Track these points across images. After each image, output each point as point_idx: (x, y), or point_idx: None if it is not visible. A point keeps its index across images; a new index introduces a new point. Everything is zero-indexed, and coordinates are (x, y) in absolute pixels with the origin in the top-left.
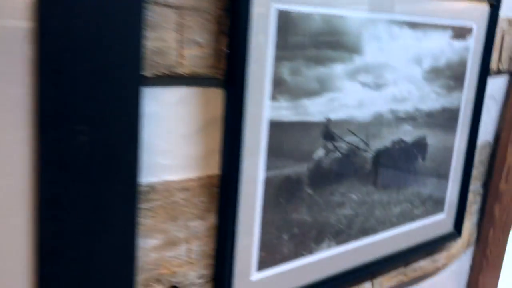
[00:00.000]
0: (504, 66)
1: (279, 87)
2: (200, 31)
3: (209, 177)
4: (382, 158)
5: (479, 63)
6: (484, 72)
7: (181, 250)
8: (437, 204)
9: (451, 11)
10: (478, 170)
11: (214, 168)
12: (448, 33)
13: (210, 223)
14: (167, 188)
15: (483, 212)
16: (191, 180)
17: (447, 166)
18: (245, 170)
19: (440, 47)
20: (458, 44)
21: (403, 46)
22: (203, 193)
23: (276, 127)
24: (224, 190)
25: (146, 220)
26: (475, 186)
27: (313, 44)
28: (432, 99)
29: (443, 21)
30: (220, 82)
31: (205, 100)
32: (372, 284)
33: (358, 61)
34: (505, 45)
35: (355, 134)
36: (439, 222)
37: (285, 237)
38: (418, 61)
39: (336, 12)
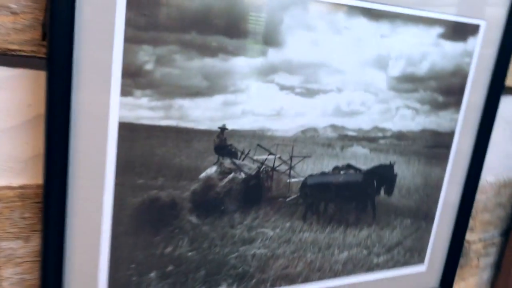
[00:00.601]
0: None
1: (137, 79)
2: None
3: (38, 187)
4: (317, 186)
5: (488, 74)
6: (497, 87)
7: None
8: (413, 253)
9: (443, 1)
10: (494, 214)
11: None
12: (435, 30)
13: (36, 246)
14: None
15: (499, 267)
16: (7, 188)
17: (432, 207)
18: (77, 184)
19: (420, 48)
20: (453, 46)
21: (354, 41)
22: (26, 207)
23: (132, 131)
24: (45, 206)
25: None
26: (489, 233)
27: (195, 26)
28: (404, 116)
29: (425, 13)
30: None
31: (28, 86)
32: None
33: (273, 56)
34: None
35: (270, 152)
36: (415, 275)
37: (153, 275)
38: (380, 63)
39: None
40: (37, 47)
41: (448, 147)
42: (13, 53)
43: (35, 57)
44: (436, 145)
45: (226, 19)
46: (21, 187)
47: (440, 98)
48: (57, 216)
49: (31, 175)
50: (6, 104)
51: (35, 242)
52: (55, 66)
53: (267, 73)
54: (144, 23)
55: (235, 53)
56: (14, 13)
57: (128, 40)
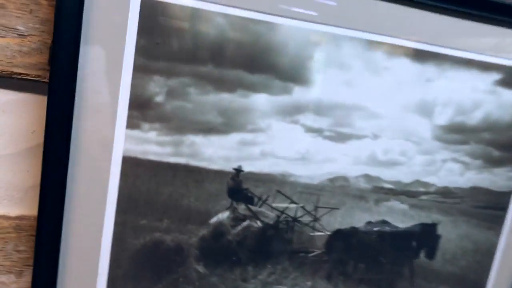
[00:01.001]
0: None
1: (146, 111)
2: (21, 15)
3: (35, 219)
4: (345, 242)
5: None
6: None
7: None
8: None
9: (501, 45)
10: None
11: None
12: (491, 76)
13: (29, 282)
14: None
15: None
16: (3, 217)
17: (482, 276)
18: (74, 219)
19: (472, 95)
20: None
21: (395, 84)
22: (21, 240)
23: (137, 166)
24: (38, 241)
25: None
26: None
27: (211, 58)
28: (452, 170)
29: (480, 56)
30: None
31: (33, 111)
32: None
33: (299, 94)
34: None
35: (291, 200)
36: None
37: None
38: (425, 110)
39: (259, 17)
40: (42, 71)
41: (504, 208)
42: (18, 76)
43: (40, 82)
44: (489, 205)
45: (247, 52)
46: (18, 217)
47: (495, 153)
48: (49, 253)
49: (29, 206)
50: (10, 129)
51: (28, 278)
52: (56, 92)
53: (291, 112)
54: (156, 52)
55: (255, 89)
56: (21, 35)
57: (138, 69)
